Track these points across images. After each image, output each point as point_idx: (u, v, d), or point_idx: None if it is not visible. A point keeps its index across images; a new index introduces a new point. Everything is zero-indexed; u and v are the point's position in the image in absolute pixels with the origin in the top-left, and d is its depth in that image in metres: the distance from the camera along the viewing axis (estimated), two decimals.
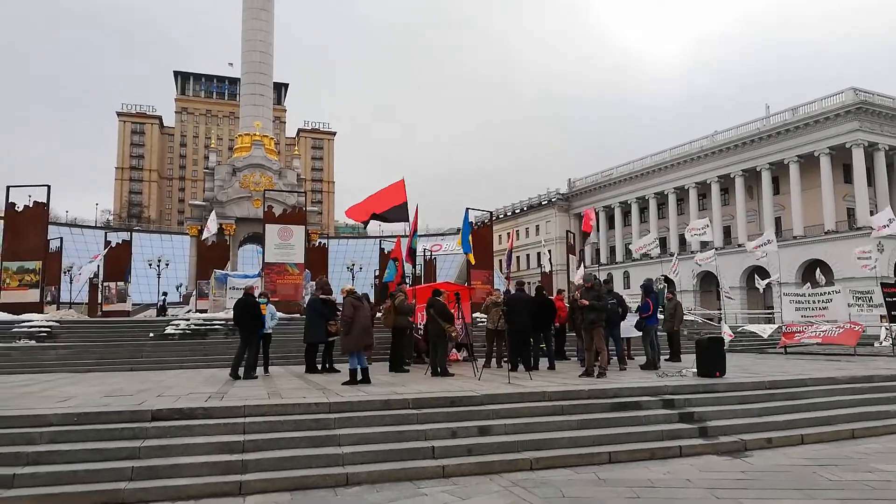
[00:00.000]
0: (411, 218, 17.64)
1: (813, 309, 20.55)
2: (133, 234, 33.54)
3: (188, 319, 21.49)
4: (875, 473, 6.65)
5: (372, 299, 17.91)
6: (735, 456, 7.61)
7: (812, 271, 39.49)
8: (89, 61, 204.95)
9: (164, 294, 33.46)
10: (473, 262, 20.74)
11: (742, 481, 6.46)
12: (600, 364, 11.35)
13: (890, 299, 19.48)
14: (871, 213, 40.97)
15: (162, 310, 30.34)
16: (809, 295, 21.71)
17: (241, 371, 11.99)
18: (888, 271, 44.53)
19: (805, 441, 8.31)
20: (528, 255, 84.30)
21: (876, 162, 50.42)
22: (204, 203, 38.18)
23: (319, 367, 13.24)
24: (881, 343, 20.71)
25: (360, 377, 10.53)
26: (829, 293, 20.91)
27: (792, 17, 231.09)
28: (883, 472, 6.71)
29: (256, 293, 13.76)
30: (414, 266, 21.76)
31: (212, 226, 27.08)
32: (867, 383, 11.07)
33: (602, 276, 40.41)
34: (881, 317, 21.10)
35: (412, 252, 19.89)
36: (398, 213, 16.38)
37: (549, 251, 69.37)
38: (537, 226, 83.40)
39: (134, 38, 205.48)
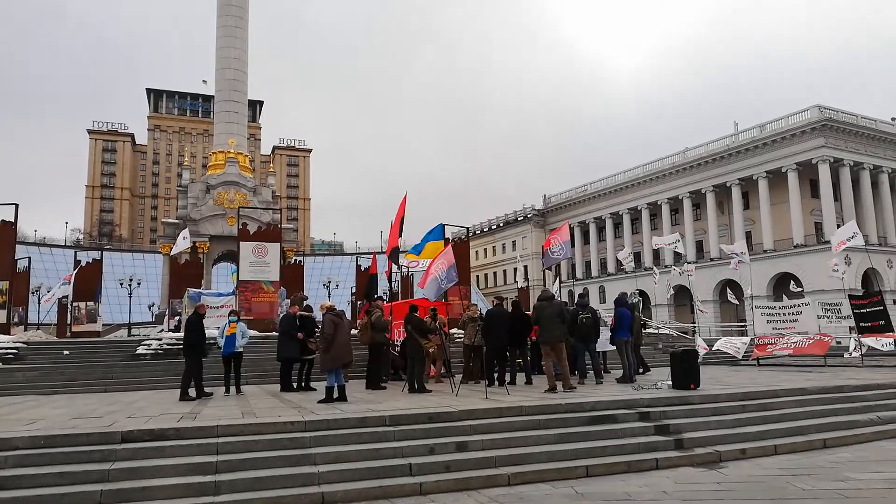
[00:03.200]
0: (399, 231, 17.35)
1: (784, 321, 20.90)
2: (104, 252, 33.03)
3: (160, 339, 21.11)
4: (847, 482, 6.75)
5: (348, 316, 17.73)
6: (710, 467, 7.67)
7: (782, 284, 40.35)
8: (60, 77, 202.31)
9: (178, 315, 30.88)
10: (427, 258, 19.07)
11: (717, 492, 6.51)
12: (563, 380, 11.35)
13: (857, 311, 19.90)
14: (838, 227, 42.01)
15: (176, 330, 29.22)
16: (780, 308, 22.09)
17: (191, 391, 11.96)
18: (856, 283, 45.58)
19: (778, 451, 8.42)
20: (504, 271, 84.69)
21: (841, 177, 51.74)
22: (177, 221, 37.71)
23: (295, 385, 13.10)
24: (850, 354, 21.10)
25: (336, 395, 10.44)
26: (798, 305, 21.31)
27: (758, 31, 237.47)
28: (854, 480, 6.82)
29: (226, 312, 13.72)
30: (394, 271, 21.52)
31: (182, 242, 26.64)
32: (838, 393, 11.26)
33: (578, 291, 40.67)
34: (850, 328, 21.53)
35: (395, 252, 18.77)
36: (400, 230, 16.33)
37: (525, 267, 69.75)
38: (514, 241, 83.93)
39: (106, 55, 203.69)
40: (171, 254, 28.39)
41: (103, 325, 30.61)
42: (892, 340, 18.85)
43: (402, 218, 16.02)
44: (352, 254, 72.51)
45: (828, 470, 7.36)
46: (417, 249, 17.62)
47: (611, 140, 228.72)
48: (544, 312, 11.69)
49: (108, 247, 74.62)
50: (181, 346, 19.43)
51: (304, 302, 13.97)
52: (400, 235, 16.39)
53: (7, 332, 20.93)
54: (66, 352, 19.68)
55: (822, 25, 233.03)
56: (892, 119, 56.88)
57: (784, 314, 21.17)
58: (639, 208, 67.04)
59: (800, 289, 34.56)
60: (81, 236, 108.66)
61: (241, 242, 24.07)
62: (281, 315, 23.55)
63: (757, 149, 54.61)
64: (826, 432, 9.21)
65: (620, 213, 69.48)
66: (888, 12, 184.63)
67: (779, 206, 53.43)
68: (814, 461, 7.89)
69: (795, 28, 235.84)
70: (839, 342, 21.98)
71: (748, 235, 55.42)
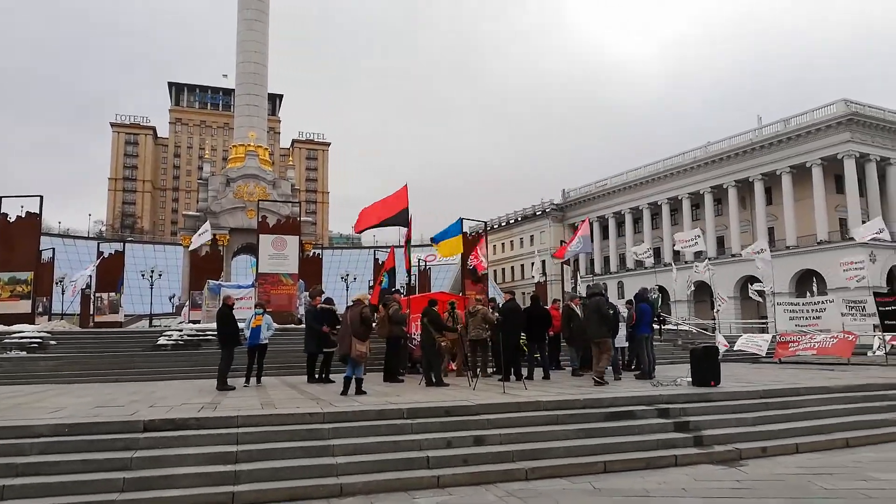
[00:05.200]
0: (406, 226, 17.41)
1: (807, 318, 20.62)
2: (126, 244, 33.46)
3: (181, 330, 21.38)
4: (870, 482, 6.64)
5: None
6: (730, 465, 7.59)
7: (805, 281, 39.73)
8: (84, 72, 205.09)
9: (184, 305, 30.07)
10: (450, 254, 19.56)
11: (737, 490, 6.44)
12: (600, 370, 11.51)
13: (882, 308, 19.55)
14: (863, 223, 41.26)
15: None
16: (804, 304, 21.78)
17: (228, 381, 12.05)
18: (881, 281, 44.77)
19: (799, 450, 8.31)
20: (521, 266, 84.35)
21: (867, 173, 50.79)
22: (198, 213, 38.04)
23: (316, 376, 13.21)
24: (874, 352, 20.75)
25: (353, 387, 10.48)
26: (822, 302, 21.00)
27: (785, 24, 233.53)
28: (878, 480, 6.71)
29: (251, 304, 13.83)
30: (409, 275, 21.66)
31: (201, 236, 26.88)
32: (861, 392, 11.09)
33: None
34: (874, 326, 21.17)
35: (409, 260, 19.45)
36: (399, 218, 16.28)
37: (543, 261, 69.45)
38: (532, 236, 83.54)
39: (128, 50, 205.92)
40: (192, 247, 28.63)
41: (125, 315, 31.08)
42: None
43: (406, 209, 15.97)
44: (370, 247, 72.80)
45: (850, 469, 7.26)
46: (440, 238, 17.73)
47: (632, 134, 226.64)
48: (587, 310, 12.13)
49: (129, 239, 75.66)
50: (202, 338, 19.84)
51: (324, 295, 14.06)
52: (407, 227, 16.40)
53: (31, 322, 21.34)
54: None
55: (851, 17, 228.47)
56: None
57: (807, 311, 20.88)
58: (659, 203, 66.38)
59: (819, 287, 34.01)
60: (104, 228, 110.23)
61: (260, 235, 24.27)
62: (301, 307, 23.80)
63: (781, 143, 53.76)
64: (849, 431, 9.07)
65: (640, 207, 68.86)
66: None
67: (802, 201, 52.58)
68: (836, 460, 7.78)
69: (822, 18, 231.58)
70: (860, 340, 21.57)
71: (770, 231, 54.65)
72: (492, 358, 14.19)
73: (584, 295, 12.32)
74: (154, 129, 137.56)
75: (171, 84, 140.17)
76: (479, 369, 13.71)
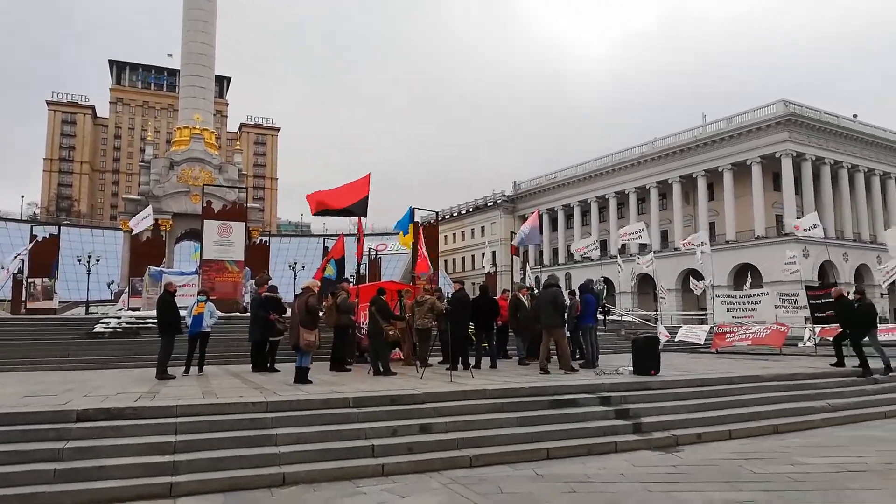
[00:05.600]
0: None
1: (743, 310, 21.43)
2: (62, 228, 32.06)
3: (119, 318, 20.68)
4: (797, 466, 6.98)
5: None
6: (667, 451, 7.85)
7: (743, 275, 41.29)
8: (15, 44, 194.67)
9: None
10: (407, 245, 19.75)
11: (673, 475, 6.67)
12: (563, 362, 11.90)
13: (813, 301, 20.46)
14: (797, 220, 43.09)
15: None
16: (740, 297, 22.63)
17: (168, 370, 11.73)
18: (813, 275, 46.89)
19: (733, 436, 8.66)
20: (472, 256, 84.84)
21: (803, 171, 52.99)
22: (139, 197, 36.83)
23: (260, 365, 13.00)
24: (805, 343, 21.72)
25: (299, 377, 10.35)
26: (758, 295, 21.85)
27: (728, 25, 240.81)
28: (804, 464, 7.05)
29: (194, 291, 13.49)
30: (358, 264, 21.45)
31: (143, 221, 25.95)
32: (790, 381, 11.59)
33: (543, 277, 41.01)
34: (805, 318, 22.15)
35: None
36: (359, 207, 16.04)
37: (494, 252, 69.97)
38: (482, 227, 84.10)
39: (66, 24, 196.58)
40: (133, 231, 27.65)
41: (60, 302, 29.85)
42: None
43: (367, 197, 15.78)
44: (319, 235, 71.84)
45: (779, 454, 7.60)
46: (402, 226, 17.57)
47: (582, 128, 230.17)
48: (541, 299, 12.26)
49: (66, 222, 72.52)
50: (141, 325, 19.21)
51: (269, 283, 13.82)
52: (364, 216, 16.19)
53: None
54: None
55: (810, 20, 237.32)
56: (854, 116, 58.39)
57: (743, 303, 21.70)
58: (606, 197, 67.75)
59: (754, 281, 35.38)
60: (38, 211, 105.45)
61: (205, 221, 23.64)
62: (246, 295, 23.33)
63: (723, 141, 55.58)
64: (779, 418, 9.48)
65: (588, 201, 70.12)
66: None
67: (742, 198, 54.55)
68: (766, 446, 8.13)
69: (773, 20, 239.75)
70: (792, 332, 22.56)
71: (712, 226, 56.51)
72: (439, 346, 14.20)
73: (542, 286, 12.59)
74: (93, 108, 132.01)
75: (111, 62, 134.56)
76: (419, 357, 13.81)
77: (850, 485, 6.16)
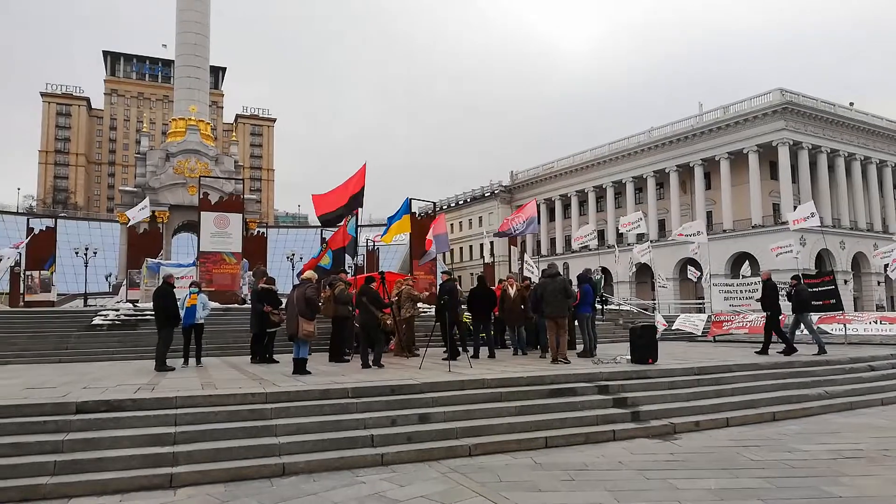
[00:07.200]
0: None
1: (740, 298, 21.47)
2: (58, 220, 32.03)
3: (118, 310, 20.67)
4: (794, 453, 7.02)
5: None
6: (665, 439, 7.89)
7: (740, 263, 41.35)
8: (11, 34, 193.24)
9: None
10: (388, 242, 20.11)
11: (671, 462, 6.71)
12: (560, 351, 11.86)
13: (810, 289, 20.51)
14: (795, 208, 43.14)
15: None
16: (737, 285, 22.67)
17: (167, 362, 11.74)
18: (810, 263, 47.02)
19: (730, 424, 8.71)
20: (470, 246, 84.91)
21: (800, 160, 52.98)
22: (135, 189, 36.69)
23: (258, 357, 13.02)
24: (802, 331, 21.75)
25: (301, 367, 10.35)
26: (755, 283, 21.85)
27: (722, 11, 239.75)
28: (801, 451, 7.10)
29: (186, 283, 13.50)
30: (354, 256, 21.45)
31: (139, 213, 25.87)
32: (788, 368, 11.65)
33: (542, 267, 41.00)
34: None
35: (354, 242, 19.44)
36: (357, 199, 16.07)
37: (492, 243, 70.05)
38: (480, 217, 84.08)
39: (61, 14, 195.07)
40: (129, 223, 27.57)
41: (58, 294, 29.83)
42: (842, 326, 19.54)
43: (363, 188, 15.85)
44: (316, 227, 71.72)
45: (776, 441, 7.64)
46: (390, 222, 17.74)
47: (580, 117, 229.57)
48: (548, 288, 12.04)
49: (62, 214, 72.28)
50: (140, 317, 19.21)
51: (268, 274, 13.86)
52: (361, 206, 16.23)
53: None
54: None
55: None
56: (850, 104, 58.32)
57: (741, 291, 21.73)
58: (604, 186, 67.70)
59: (752, 270, 35.46)
60: (35, 203, 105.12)
61: (201, 212, 23.58)
62: (244, 287, 23.34)
63: (720, 130, 55.50)
64: (776, 406, 9.54)
65: (586, 190, 70.07)
66: None
67: (739, 186, 54.56)
68: (763, 433, 8.18)
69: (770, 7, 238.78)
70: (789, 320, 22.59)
71: (709, 215, 56.55)
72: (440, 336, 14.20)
73: (542, 275, 12.57)
74: (88, 99, 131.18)
75: (106, 53, 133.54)
76: (413, 348, 13.99)
77: (847, 471, 6.20)
